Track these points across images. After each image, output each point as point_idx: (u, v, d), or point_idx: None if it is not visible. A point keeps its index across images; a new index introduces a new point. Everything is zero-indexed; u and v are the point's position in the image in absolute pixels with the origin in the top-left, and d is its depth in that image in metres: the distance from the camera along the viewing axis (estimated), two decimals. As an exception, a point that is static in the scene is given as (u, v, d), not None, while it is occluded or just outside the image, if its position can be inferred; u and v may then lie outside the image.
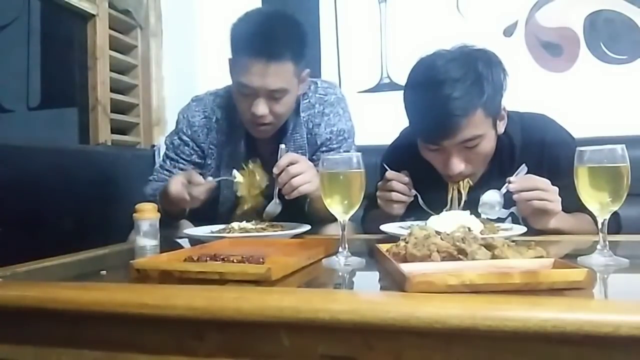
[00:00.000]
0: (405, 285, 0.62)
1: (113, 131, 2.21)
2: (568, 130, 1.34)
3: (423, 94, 1.22)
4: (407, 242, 0.81)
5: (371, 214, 1.43)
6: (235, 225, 1.30)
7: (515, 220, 1.27)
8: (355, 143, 1.53)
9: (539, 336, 0.53)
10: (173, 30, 2.49)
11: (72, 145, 2.07)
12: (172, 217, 1.39)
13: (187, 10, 2.48)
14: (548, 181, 1.13)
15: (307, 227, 1.29)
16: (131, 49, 2.39)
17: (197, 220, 1.42)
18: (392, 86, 2.23)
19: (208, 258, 0.82)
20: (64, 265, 0.99)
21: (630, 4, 2.05)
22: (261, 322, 0.61)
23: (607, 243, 0.81)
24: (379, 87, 2.29)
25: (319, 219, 1.36)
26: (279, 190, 1.30)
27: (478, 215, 1.18)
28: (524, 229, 1.14)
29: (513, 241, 0.81)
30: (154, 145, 2.33)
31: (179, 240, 1.31)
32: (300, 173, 1.24)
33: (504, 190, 1.19)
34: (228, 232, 1.26)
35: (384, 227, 1.21)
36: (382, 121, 1.81)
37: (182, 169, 1.49)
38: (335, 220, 0.90)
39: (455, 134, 1.18)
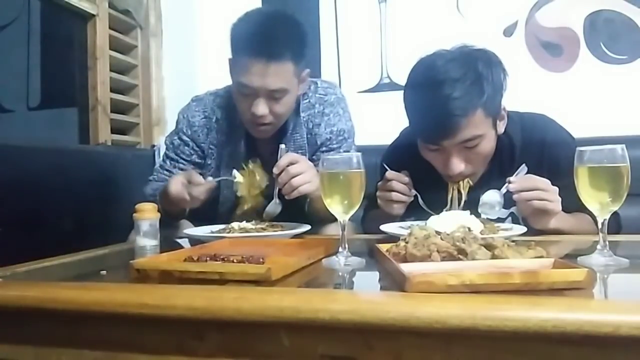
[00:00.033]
0: (405, 285, 0.62)
1: (113, 131, 2.21)
2: (568, 130, 1.34)
3: (423, 94, 1.22)
4: (407, 242, 0.81)
5: (371, 214, 1.43)
6: (235, 225, 1.30)
7: (515, 220, 1.27)
8: (355, 143, 1.53)
9: (539, 336, 0.53)
10: (173, 30, 2.49)
11: (72, 145, 2.07)
12: (172, 217, 1.39)
13: (187, 10, 2.48)
14: (548, 181, 1.13)
15: (307, 227, 1.29)
16: (131, 49, 2.39)
17: (197, 220, 1.42)
18: (392, 86, 2.23)
19: (208, 258, 0.82)
20: (64, 265, 0.99)
21: (630, 4, 2.05)
22: (261, 322, 0.61)
23: (607, 243, 0.81)
24: (379, 87, 2.29)
25: (319, 219, 1.36)
26: (279, 190, 1.30)
27: (478, 215, 1.18)
28: (524, 229, 1.14)
29: (513, 241, 0.81)
30: (154, 145, 2.33)
31: (179, 240, 1.31)
32: (300, 173, 1.24)
33: (504, 190, 1.19)
34: (228, 232, 1.26)
35: (384, 227, 1.21)
36: (382, 121, 1.81)
37: (182, 169, 1.49)
38: (335, 220, 0.90)
39: (455, 134, 1.18)
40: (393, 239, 0.94)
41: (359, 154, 0.89)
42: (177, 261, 0.84)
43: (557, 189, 1.12)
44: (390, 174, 1.27)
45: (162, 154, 1.63)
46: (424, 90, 1.22)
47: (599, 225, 0.83)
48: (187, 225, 1.43)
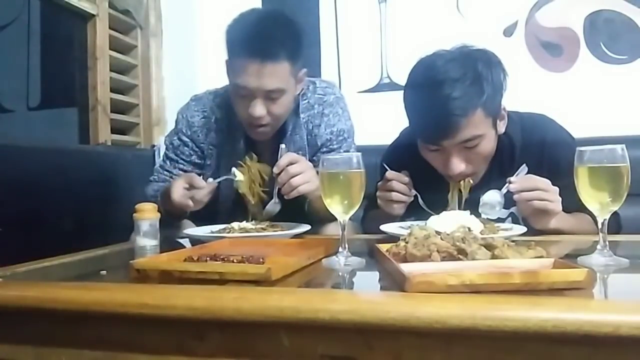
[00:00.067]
0: (405, 285, 0.62)
1: (113, 131, 2.21)
2: (568, 130, 1.34)
3: (423, 94, 1.22)
4: (407, 242, 0.81)
5: (371, 214, 1.43)
6: (235, 225, 1.30)
7: (515, 220, 1.27)
8: (355, 143, 1.53)
9: (539, 336, 0.53)
10: (173, 30, 2.49)
11: (72, 145, 2.07)
12: (173, 217, 1.39)
13: (187, 10, 2.48)
14: (548, 181, 1.13)
15: (307, 227, 1.29)
16: (131, 49, 2.39)
17: (199, 220, 1.42)
18: (392, 86, 2.23)
19: (208, 258, 0.82)
20: (64, 265, 0.99)
21: (630, 4, 2.05)
22: (261, 322, 0.61)
23: (607, 243, 0.81)
24: (379, 87, 2.29)
25: (319, 218, 1.36)
26: (279, 189, 1.30)
27: (478, 215, 1.19)
28: (524, 229, 1.14)
29: (513, 241, 0.81)
30: (154, 145, 2.33)
31: (179, 240, 1.31)
32: (300, 173, 1.24)
33: (504, 190, 1.19)
34: (228, 232, 1.26)
35: (384, 227, 1.21)
36: (382, 121, 1.81)
37: (182, 170, 1.49)
38: (335, 220, 0.90)
39: (455, 134, 1.18)
40: (393, 239, 0.94)
41: (359, 154, 0.89)
42: (177, 261, 0.84)
43: (557, 189, 1.12)
44: (390, 174, 1.27)
45: (162, 153, 1.63)
46: (423, 91, 1.22)
47: (599, 225, 0.83)
48: (189, 225, 1.43)
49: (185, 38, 2.47)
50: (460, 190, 1.26)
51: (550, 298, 0.60)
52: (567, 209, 1.15)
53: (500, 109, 1.26)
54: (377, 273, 0.85)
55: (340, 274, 0.85)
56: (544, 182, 1.13)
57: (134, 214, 1.15)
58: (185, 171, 1.48)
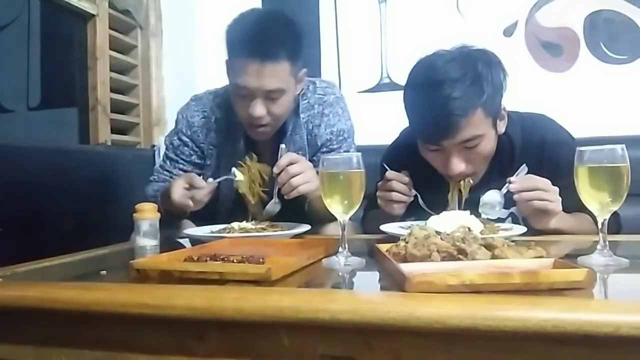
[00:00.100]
0: (405, 285, 0.62)
1: (113, 131, 2.21)
2: (568, 130, 1.34)
3: (423, 94, 1.22)
4: (407, 242, 0.81)
5: (371, 214, 1.43)
6: (235, 225, 1.30)
7: (515, 220, 1.27)
8: (356, 143, 1.53)
9: (539, 336, 0.53)
10: (173, 30, 2.49)
11: (72, 145, 2.07)
12: (174, 217, 1.39)
13: (187, 10, 2.48)
14: (548, 181, 1.13)
15: (307, 227, 1.29)
16: (131, 49, 2.39)
17: (199, 220, 1.42)
18: (392, 86, 2.24)
19: (208, 258, 0.82)
20: (64, 265, 0.99)
21: (630, 4, 2.05)
22: (261, 322, 0.61)
23: (607, 243, 0.81)
24: (379, 87, 2.29)
25: (319, 219, 1.36)
26: (279, 189, 1.30)
27: (478, 215, 1.19)
28: (524, 229, 1.14)
29: (513, 241, 0.81)
30: (154, 145, 2.33)
31: (179, 240, 1.31)
32: (300, 173, 1.24)
33: (504, 190, 1.19)
34: (228, 232, 1.26)
35: (384, 227, 1.21)
36: (382, 121, 1.81)
37: (182, 169, 1.49)
38: (335, 219, 0.90)
39: (455, 134, 1.18)
40: (393, 239, 0.94)
41: (359, 154, 0.90)
42: (177, 261, 0.84)
43: (557, 189, 1.12)
44: (390, 174, 1.27)
45: (162, 154, 1.63)
46: (423, 91, 1.22)
47: (599, 225, 0.83)
48: (189, 225, 1.43)
49: (185, 38, 2.47)
50: (460, 190, 1.26)
51: (550, 298, 0.60)
52: (567, 209, 1.15)
53: (500, 109, 1.26)
54: (377, 273, 0.85)
55: (340, 274, 0.85)
56: (544, 182, 1.13)
57: (134, 214, 1.15)
58: (185, 171, 1.48)
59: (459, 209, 1.24)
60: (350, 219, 0.89)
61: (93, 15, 2.13)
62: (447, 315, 0.55)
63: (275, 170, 1.26)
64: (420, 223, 1.15)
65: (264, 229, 1.28)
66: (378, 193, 1.30)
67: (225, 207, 1.48)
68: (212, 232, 1.28)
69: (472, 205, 1.22)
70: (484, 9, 2.18)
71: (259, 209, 1.39)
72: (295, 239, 1.20)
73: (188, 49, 2.45)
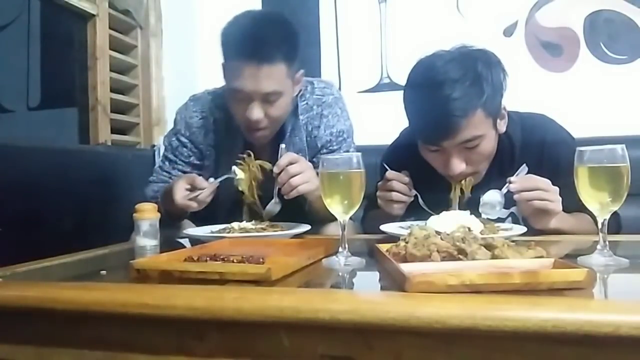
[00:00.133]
0: (405, 285, 0.62)
1: (113, 131, 2.21)
2: (568, 130, 1.34)
3: (422, 94, 1.22)
4: (407, 242, 0.81)
5: (371, 214, 1.43)
6: (235, 225, 1.30)
7: (515, 220, 1.27)
8: (356, 143, 1.53)
9: (539, 336, 0.53)
10: (173, 30, 2.49)
11: (72, 145, 2.07)
12: (174, 218, 1.39)
13: (187, 10, 2.48)
14: (549, 181, 1.13)
15: (307, 227, 1.29)
16: (131, 49, 2.39)
17: (199, 220, 1.42)
18: (392, 86, 2.23)
19: (208, 258, 0.82)
20: (64, 265, 0.99)
21: (630, 4, 2.05)
22: (261, 322, 0.61)
23: (607, 243, 0.81)
24: (379, 87, 2.29)
25: (319, 219, 1.36)
26: (279, 189, 1.30)
27: (478, 215, 1.19)
28: (524, 229, 1.14)
29: (513, 241, 0.81)
30: (154, 145, 2.33)
31: (179, 240, 1.31)
32: (300, 173, 1.24)
33: (504, 190, 1.19)
34: (228, 232, 1.26)
35: (384, 227, 1.21)
36: (382, 121, 1.81)
37: (180, 170, 1.49)
38: (335, 219, 0.90)
39: (455, 134, 1.18)
40: (393, 239, 0.94)
41: (359, 154, 0.90)
42: (177, 261, 0.84)
43: (557, 189, 1.12)
44: (390, 173, 1.27)
45: (161, 154, 1.62)
46: (423, 91, 1.22)
47: (599, 225, 0.83)
48: (189, 225, 1.43)
49: (185, 38, 2.47)
50: (462, 190, 1.26)
51: (550, 298, 0.60)
52: (567, 209, 1.15)
53: (501, 108, 1.25)
54: (377, 273, 0.85)
55: (340, 274, 0.85)
56: (544, 182, 1.13)
57: (134, 214, 1.15)
58: (183, 172, 1.47)
59: (460, 209, 1.24)
60: (350, 219, 0.89)
61: (93, 15, 2.13)
62: (447, 315, 0.55)
63: (275, 170, 1.26)
64: (420, 223, 1.15)
65: (264, 229, 1.28)
66: (378, 193, 1.30)
67: (225, 207, 1.48)
68: (212, 232, 1.28)
69: (472, 205, 1.22)
70: (484, 9, 2.18)
71: (259, 207, 1.39)
72: (295, 239, 1.20)
73: (188, 49, 2.45)
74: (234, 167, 1.35)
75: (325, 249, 0.94)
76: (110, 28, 2.22)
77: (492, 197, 1.21)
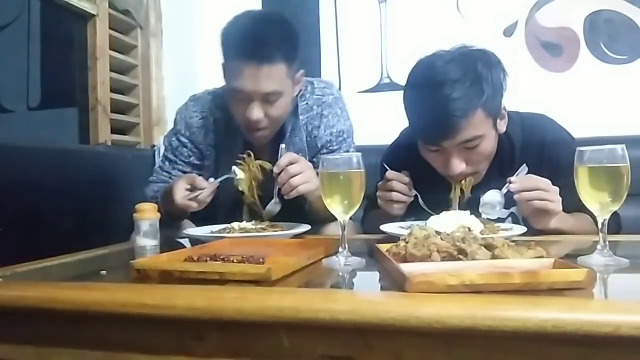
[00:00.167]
0: (405, 285, 0.62)
1: (113, 131, 2.21)
2: (568, 130, 1.34)
3: (422, 95, 1.22)
4: (407, 242, 0.81)
5: (371, 214, 1.43)
6: (235, 225, 1.30)
7: (515, 220, 1.27)
8: (356, 143, 1.53)
9: (539, 336, 0.53)
10: (173, 30, 2.49)
11: (72, 145, 2.07)
12: (174, 218, 1.39)
13: (187, 10, 2.48)
14: (549, 181, 1.13)
15: (307, 227, 1.29)
16: (131, 49, 2.39)
17: (199, 220, 1.42)
18: (392, 86, 2.23)
19: (208, 258, 0.82)
20: (64, 265, 0.99)
21: (630, 4, 2.05)
22: (261, 322, 0.61)
23: (607, 243, 0.81)
24: (379, 87, 2.29)
25: (319, 219, 1.36)
26: (279, 189, 1.30)
27: (478, 215, 1.19)
28: (524, 229, 1.14)
29: (513, 241, 0.81)
30: (154, 145, 2.33)
31: (179, 240, 1.31)
32: (300, 173, 1.24)
33: (504, 190, 1.19)
34: (228, 232, 1.26)
35: (384, 227, 1.21)
36: (382, 121, 1.81)
37: (180, 171, 1.49)
38: (335, 219, 0.90)
39: (455, 134, 1.18)
40: (393, 239, 0.94)
41: (359, 154, 0.90)
42: (177, 261, 0.84)
43: (557, 189, 1.12)
44: (390, 173, 1.27)
45: (161, 154, 1.62)
46: (423, 91, 1.22)
47: (599, 225, 0.83)
48: (189, 225, 1.43)
49: (185, 38, 2.47)
50: (462, 190, 1.26)
51: (550, 298, 0.60)
52: (567, 209, 1.15)
53: (501, 108, 1.25)
54: (377, 273, 0.85)
55: (340, 274, 0.85)
56: (545, 182, 1.13)
57: (134, 214, 1.15)
58: (183, 172, 1.47)
59: (460, 209, 1.24)
60: (350, 219, 0.89)
61: (93, 15, 2.13)
62: (447, 315, 0.55)
63: (275, 170, 1.26)
64: (420, 223, 1.15)
65: (264, 229, 1.28)
66: (378, 193, 1.30)
67: (225, 207, 1.48)
68: (212, 232, 1.28)
69: (472, 205, 1.22)
70: (484, 9, 2.18)
71: (259, 207, 1.39)
72: (295, 239, 1.20)
73: (188, 49, 2.45)
74: (234, 167, 1.35)
75: (325, 249, 0.94)
76: (110, 28, 2.22)
77: (492, 197, 1.21)
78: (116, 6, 2.26)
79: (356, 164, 0.88)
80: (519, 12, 2.16)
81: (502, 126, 1.28)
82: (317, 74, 2.28)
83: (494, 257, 0.75)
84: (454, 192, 1.27)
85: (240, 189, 1.37)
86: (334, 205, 0.88)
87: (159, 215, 1.17)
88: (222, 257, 0.82)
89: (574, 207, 1.10)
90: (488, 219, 1.21)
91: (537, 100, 1.65)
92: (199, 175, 1.36)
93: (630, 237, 1.13)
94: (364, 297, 0.65)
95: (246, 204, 1.41)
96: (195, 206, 1.28)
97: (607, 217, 0.83)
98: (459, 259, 0.75)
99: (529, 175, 1.18)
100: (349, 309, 0.58)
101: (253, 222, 1.34)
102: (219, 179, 1.34)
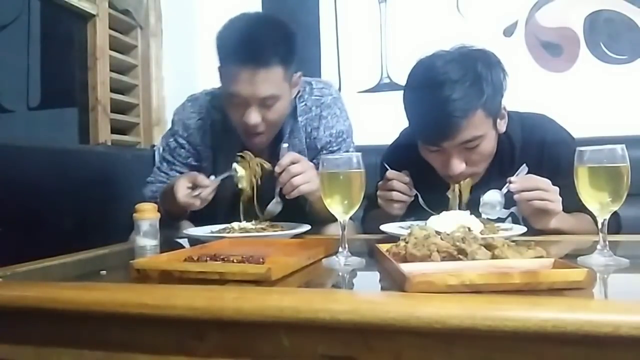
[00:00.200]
0: (405, 285, 0.62)
1: (113, 131, 2.20)
2: (568, 130, 1.34)
3: (422, 95, 1.22)
4: (407, 242, 0.81)
5: (371, 214, 1.43)
6: (235, 225, 1.30)
7: (515, 220, 1.27)
8: (356, 143, 1.53)
9: (539, 336, 0.53)
10: (173, 30, 2.49)
11: (72, 145, 2.07)
12: (173, 218, 1.39)
13: (187, 10, 2.48)
14: (549, 181, 1.13)
15: (307, 227, 1.29)
16: (131, 49, 2.39)
17: (198, 221, 1.42)
18: (392, 86, 2.23)
19: (208, 258, 0.82)
20: (64, 265, 0.99)
21: (630, 4, 2.05)
22: (261, 322, 0.61)
23: (607, 243, 0.81)
24: (379, 87, 2.29)
25: (320, 219, 1.35)
26: (280, 189, 1.30)
27: (478, 215, 1.19)
28: (524, 229, 1.14)
29: (513, 241, 0.81)
30: (154, 145, 2.33)
31: (179, 240, 1.31)
32: (301, 172, 1.24)
33: (504, 190, 1.19)
34: (228, 232, 1.26)
35: (384, 227, 1.21)
36: (382, 121, 1.81)
37: (178, 172, 1.49)
38: (336, 220, 0.90)
39: (455, 135, 1.18)
40: (393, 239, 0.94)
41: (359, 154, 0.90)
42: (177, 261, 0.84)
43: (557, 189, 1.12)
44: (390, 173, 1.27)
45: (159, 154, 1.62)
46: (423, 92, 1.21)
47: (599, 225, 0.83)
48: (188, 225, 1.43)
49: (185, 38, 2.47)
50: (460, 191, 1.26)
51: (550, 298, 0.60)
52: (567, 209, 1.15)
53: (501, 108, 1.26)
54: (377, 273, 0.85)
55: (340, 274, 0.85)
56: (545, 182, 1.13)
57: (134, 214, 1.15)
58: (181, 173, 1.47)
59: (459, 209, 1.24)
60: (350, 219, 0.89)
61: (93, 15, 2.13)
62: (447, 315, 0.55)
63: (277, 169, 1.26)
64: (420, 223, 1.15)
65: (264, 229, 1.28)
66: (378, 193, 1.30)
67: (223, 207, 1.47)
68: (212, 232, 1.28)
69: (472, 205, 1.22)
70: (484, 9, 2.18)
71: (260, 206, 1.39)
72: (295, 239, 1.20)
73: (188, 49, 2.45)
74: (235, 165, 1.35)
75: (325, 249, 0.94)
76: (110, 28, 2.22)
77: (492, 197, 1.21)
78: (116, 6, 2.26)
79: (356, 164, 0.88)
80: (519, 12, 2.16)
81: (502, 126, 1.28)
82: (317, 74, 2.28)
83: (494, 257, 0.75)
84: (453, 192, 1.27)
85: (240, 186, 1.36)
86: (334, 205, 0.88)
87: (159, 215, 1.17)
88: (222, 257, 0.82)
89: (574, 207, 1.10)
90: (488, 219, 1.21)
91: (537, 100, 1.65)
92: (199, 174, 1.35)
93: (630, 237, 1.13)
94: (364, 297, 0.65)
95: (244, 204, 1.41)
96: (197, 204, 1.28)
97: (607, 217, 0.83)
98: (459, 259, 0.75)
99: (529, 175, 1.18)
100: (349, 309, 0.58)
101: (253, 222, 1.34)
102: (220, 177, 1.34)
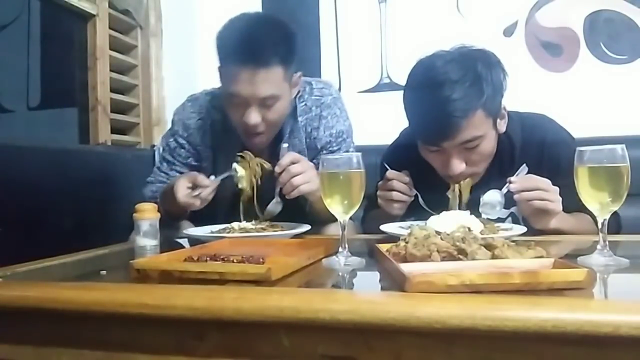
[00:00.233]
0: (405, 285, 0.62)
1: (113, 131, 2.20)
2: (568, 130, 1.34)
3: (422, 95, 1.22)
4: (407, 242, 0.81)
5: (371, 214, 1.43)
6: (235, 225, 1.30)
7: (515, 220, 1.27)
8: (356, 143, 1.53)
9: (539, 336, 0.53)
10: (173, 30, 2.49)
11: (72, 145, 2.07)
12: (173, 218, 1.39)
13: (187, 10, 2.48)
14: (549, 181, 1.13)
15: (307, 227, 1.29)
16: (131, 49, 2.39)
17: (198, 221, 1.42)
18: (392, 86, 2.23)
19: (208, 258, 0.82)
20: (64, 265, 0.99)
21: (630, 4, 2.05)
22: (261, 322, 0.61)
23: (607, 243, 0.81)
24: (379, 87, 2.29)
25: (320, 219, 1.35)
26: (280, 189, 1.30)
27: (478, 215, 1.19)
28: (524, 229, 1.14)
29: (513, 241, 0.81)
30: (154, 145, 2.33)
31: (179, 240, 1.31)
32: (301, 172, 1.24)
33: (504, 190, 1.19)
34: (228, 232, 1.26)
35: (384, 227, 1.21)
36: (382, 121, 1.81)
37: (178, 172, 1.48)
38: (336, 220, 0.90)
39: (455, 135, 1.18)
40: (393, 239, 0.94)
41: (359, 154, 0.90)
42: (177, 261, 0.84)
43: (557, 189, 1.12)
44: (390, 173, 1.27)
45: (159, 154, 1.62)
46: (423, 92, 1.21)
47: (599, 225, 0.83)
48: (188, 226, 1.43)
49: (185, 38, 2.47)
50: (460, 191, 1.26)
51: (550, 298, 0.60)
52: (567, 209, 1.15)
53: (501, 108, 1.26)
54: (377, 273, 0.85)
55: (340, 274, 0.85)
56: (545, 182, 1.13)
57: (134, 214, 1.15)
58: (181, 173, 1.47)
59: (459, 209, 1.24)
60: (350, 219, 0.89)
61: (93, 15, 2.13)
62: (447, 315, 0.55)
63: (277, 169, 1.26)
64: (420, 223, 1.15)
65: (264, 229, 1.28)
66: (378, 192, 1.30)
67: (223, 207, 1.47)
68: (212, 232, 1.28)
69: (472, 205, 1.22)
70: (484, 9, 2.18)
71: (260, 206, 1.39)
72: (295, 239, 1.20)
73: (188, 49, 2.45)
74: (235, 164, 1.35)
75: (325, 249, 0.94)
76: (110, 28, 2.22)
77: (492, 197, 1.21)
78: (116, 6, 2.26)
79: (356, 164, 0.88)
80: (519, 12, 2.16)
81: (502, 126, 1.28)
82: (317, 74, 2.28)
83: (494, 257, 0.75)
84: (453, 192, 1.27)
85: (240, 186, 1.36)
86: (334, 205, 0.88)
87: (159, 215, 1.17)
88: (222, 257, 0.82)
89: (574, 207, 1.10)
90: (488, 219, 1.21)
91: (537, 100, 1.65)
92: (199, 174, 1.35)
93: (630, 237, 1.13)
94: (364, 297, 0.65)
95: (243, 204, 1.41)
96: (197, 204, 1.28)
97: (607, 217, 0.83)
98: (459, 259, 0.75)
99: (529, 175, 1.18)
100: (349, 309, 0.58)
101: (253, 222, 1.34)
102: (220, 177, 1.34)
